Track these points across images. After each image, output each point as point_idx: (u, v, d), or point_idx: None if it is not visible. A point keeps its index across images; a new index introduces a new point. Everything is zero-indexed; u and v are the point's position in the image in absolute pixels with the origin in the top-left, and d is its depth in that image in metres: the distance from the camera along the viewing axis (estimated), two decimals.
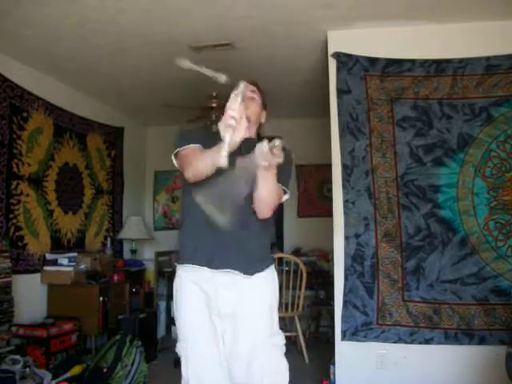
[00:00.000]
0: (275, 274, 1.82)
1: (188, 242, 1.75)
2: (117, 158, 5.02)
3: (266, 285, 1.75)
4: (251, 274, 1.69)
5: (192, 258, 1.71)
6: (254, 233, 1.72)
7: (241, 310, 1.67)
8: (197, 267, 1.70)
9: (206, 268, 1.68)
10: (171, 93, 4.31)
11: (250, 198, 1.63)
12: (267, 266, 1.77)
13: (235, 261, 1.68)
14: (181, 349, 1.72)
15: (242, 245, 1.69)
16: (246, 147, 1.53)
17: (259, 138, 1.82)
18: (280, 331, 1.75)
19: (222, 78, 1.51)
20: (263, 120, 1.89)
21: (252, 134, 1.80)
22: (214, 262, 1.68)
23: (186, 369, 1.70)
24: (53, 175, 3.95)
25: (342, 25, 3.06)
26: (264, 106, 1.88)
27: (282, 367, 1.69)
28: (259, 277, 1.72)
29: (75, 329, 3.50)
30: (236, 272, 1.67)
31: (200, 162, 1.59)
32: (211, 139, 1.58)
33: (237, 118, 1.41)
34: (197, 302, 1.69)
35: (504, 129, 2.89)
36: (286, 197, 1.78)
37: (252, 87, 1.82)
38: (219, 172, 1.46)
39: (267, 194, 1.61)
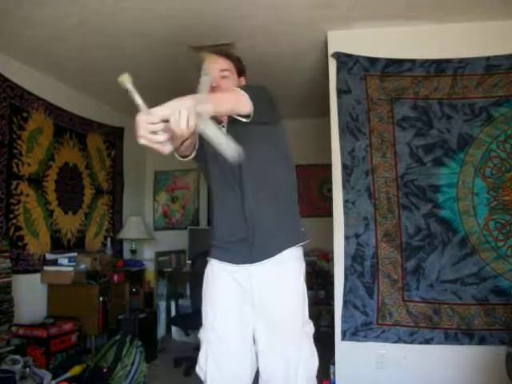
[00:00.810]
0: (300, 252, 1.76)
1: (211, 240, 1.80)
2: (117, 158, 5.02)
3: (295, 271, 1.72)
4: (269, 256, 1.67)
5: (216, 255, 1.77)
6: (263, 205, 1.69)
7: (273, 300, 1.67)
8: (224, 263, 1.74)
9: (231, 264, 1.72)
10: (171, 93, 4.31)
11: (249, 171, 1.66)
12: (289, 244, 1.71)
13: (250, 253, 1.68)
14: (203, 333, 1.74)
15: (253, 229, 1.68)
16: (233, 121, 1.56)
17: None
18: (309, 320, 1.76)
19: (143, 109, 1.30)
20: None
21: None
22: (235, 258, 1.71)
23: (204, 354, 1.72)
24: (53, 175, 3.95)
25: (342, 25, 3.06)
26: (239, 73, 1.83)
27: (314, 354, 1.73)
28: (287, 261, 1.69)
29: (75, 329, 3.49)
30: (257, 264, 1.68)
31: None
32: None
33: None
34: (227, 290, 1.72)
35: (504, 129, 2.89)
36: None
37: (221, 65, 1.77)
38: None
39: (228, 112, 1.49)
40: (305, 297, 1.74)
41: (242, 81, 1.86)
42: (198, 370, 1.75)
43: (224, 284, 1.74)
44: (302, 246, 1.76)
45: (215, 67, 1.76)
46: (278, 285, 1.68)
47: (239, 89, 1.53)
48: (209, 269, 1.80)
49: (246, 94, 1.50)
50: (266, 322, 1.67)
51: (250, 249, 1.68)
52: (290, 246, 1.71)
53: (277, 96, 1.73)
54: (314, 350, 1.74)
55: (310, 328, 1.75)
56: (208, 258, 1.82)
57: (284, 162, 1.80)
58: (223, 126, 1.77)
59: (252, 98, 1.50)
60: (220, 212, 1.79)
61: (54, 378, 2.92)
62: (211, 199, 1.87)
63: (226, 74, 1.78)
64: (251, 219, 1.69)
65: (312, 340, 1.74)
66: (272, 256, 1.68)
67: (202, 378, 1.74)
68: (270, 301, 1.68)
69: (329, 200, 3.41)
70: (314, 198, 5.34)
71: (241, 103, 1.48)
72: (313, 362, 1.72)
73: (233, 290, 1.72)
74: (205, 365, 1.71)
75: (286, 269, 1.70)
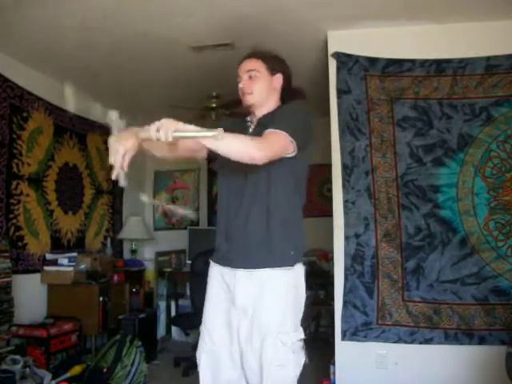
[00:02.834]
0: (298, 271, 1.74)
1: (215, 240, 1.84)
2: None
3: (282, 280, 1.70)
4: (252, 267, 1.69)
5: (215, 257, 1.83)
6: (256, 219, 1.69)
7: (253, 305, 1.69)
8: (217, 264, 1.80)
9: (220, 266, 1.78)
10: (171, 93, 4.31)
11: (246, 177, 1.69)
12: (280, 263, 1.70)
13: (236, 258, 1.72)
14: (201, 330, 1.81)
15: (243, 236, 1.70)
16: (263, 123, 1.63)
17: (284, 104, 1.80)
18: (292, 329, 1.69)
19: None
20: (278, 85, 1.82)
21: (270, 107, 1.79)
22: (224, 259, 1.76)
23: (201, 348, 1.79)
24: (53, 175, 3.95)
25: (342, 25, 3.06)
26: (273, 71, 1.80)
27: (286, 365, 1.66)
28: (274, 272, 1.69)
29: (75, 329, 3.49)
30: (243, 270, 1.70)
31: None
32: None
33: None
34: (217, 291, 1.77)
35: (504, 129, 2.89)
36: (291, 148, 1.62)
37: (248, 65, 1.79)
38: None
39: (231, 154, 1.53)
40: (287, 303, 1.69)
41: (278, 79, 1.82)
42: (197, 355, 1.81)
43: (216, 285, 1.79)
44: (288, 268, 1.71)
45: (243, 67, 1.80)
46: (257, 293, 1.68)
47: (287, 135, 1.60)
48: (210, 267, 1.86)
49: (292, 139, 1.61)
50: (246, 323, 1.69)
51: (237, 254, 1.72)
52: (271, 267, 1.68)
53: None
54: (290, 361, 1.66)
55: (290, 336, 1.67)
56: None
57: (294, 187, 1.76)
58: (251, 123, 1.82)
59: (296, 138, 1.61)
60: (219, 213, 1.83)
61: (53, 377, 2.93)
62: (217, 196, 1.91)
63: (252, 74, 1.78)
64: (243, 227, 1.70)
65: (291, 350, 1.66)
66: (253, 268, 1.68)
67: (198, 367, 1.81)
68: (247, 306, 1.69)
69: (329, 200, 3.41)
70: (314, 198, 5.34)
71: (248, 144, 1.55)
72: (283, 372, 1.65)
73: (222, 292, 1.76)
74: (199, 357, 1.79)
75: (268, 283, 1.69)
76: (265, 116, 1.77)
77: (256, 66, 1.80)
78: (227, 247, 1.75)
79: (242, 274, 1.70)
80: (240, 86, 1.79)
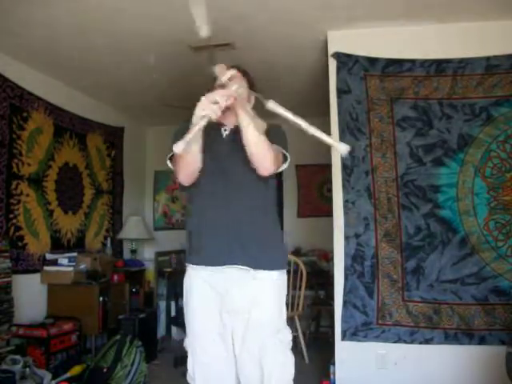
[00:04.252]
0: (284, 274, 1.79)
1: (192, 241, 1.77)
2: (117, 158, 5.02)
3: (273, 281, 1.73)
4: (254, 267, 1.68)
5: (197, 258, 1.74)
6: (251, 217, 1.71)
7: (248, 306, 1.68)
8: (203, 266, 1.73)
9: (211, 267, 1.71)
10: (171, 93, 4.31)
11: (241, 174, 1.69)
12: (278, 266, 1.74)
13: (235, 254, 1.69)
14: (188, 344, 1.75)
15: (239, 234, 1.69)
16: (238, 131, 1.63)
17: None
18: (287, 327, 1.76)
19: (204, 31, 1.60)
20: (251, 103, 1.84)
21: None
22: (216, 259, 1.70)
23: (192, 364, 1.73)
24: (53, 175, 3.95)
25: (342, 25, 3.06)
26: (251, 88, 1.82)
27: (288, 362, 1.71)
28: (266, 273, 1.70)
29: (75, 329, 3.49)
30: (239, 267, 1.68)
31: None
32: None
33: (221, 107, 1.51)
34: (205, 299, 1.71)
35: (504, 129, 2.89)
36: (285, 165, 1.76)
37: (233, 72, 1.75)
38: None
39: (252, 143, 1.60)
40: (281, 303, 1.75)
41: (253, 98, 1.84)
42: (188, 378, 1.77)
43: (200, 293, 1.72)
44: (282, 271, 1.77)
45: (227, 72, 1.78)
46: (253, 292, 1.68)
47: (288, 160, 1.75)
48: (186, 276, 1.78)
49: (281, 149, 1.72)
50: (241, 327, 1.68)
51: (229, 248, 1.68)
52: (271, 269, 1.71)
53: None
54: (289, 359, 1.72)
55: (286, 335, 1.73)
56: (186, 264, 1.80)
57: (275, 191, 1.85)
58: (225, 130, 1.79)
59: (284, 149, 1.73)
60: (200, 209, 1.76)
61: (54, 377, 2.93)
62: (192, 199, 1.81)
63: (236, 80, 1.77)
64: (236, 222, 1.69)
65: (288, 348, 1.72)
66: (251, 268, 1.68)
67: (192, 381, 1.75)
68: (243, 308, 1.68)
69: (329, 200, 3.42)
70: (314, 198, 5.34)
71: (271, 152, 1.64)
72: (286, 370, 1.70)
73: (209, 299, 1.71)
74: (193, 372, 1.73)
75: (261, 280, 1.70)
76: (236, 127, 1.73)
77: (239, 76, 1.78)
78: (218, 244, 1.69)
79: (235, 273, 1.67)
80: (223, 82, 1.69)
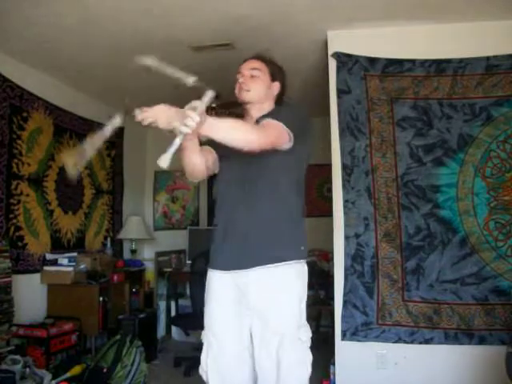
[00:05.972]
0: (303, 266, 1.77)
1: (211, 246, 1.80)
2: (117, 158, 5.01)
3: (293, 275, 1.72)
4: (265, 263, 1.67)
5: (214, 264, 1.77)
6: (260, 216, 1.70)
7: (267, 303, 1.67)
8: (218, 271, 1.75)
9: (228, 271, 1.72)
10: (171, 93, 4.31)
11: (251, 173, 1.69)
12: (293, 257, 1.71)
13: (245, 257, 1.69)
14: (204, 336, 1.76)
15: (254, 236, 1.68)
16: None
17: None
18: (307, 324, 1.74)
19: (190, 80, 1.53)
20: (275, 92, 1.84)
21: (265, 111, 1.78)
22: (229, 262, 1.72)
23: (205, 356, 1.74)
24: (53, 175, 3.94)
25: (342, 25, 3.06)
26: (273, 78, 1.82)
27: (306, 362, 1.71)
28: (286, 267, 1.69)
29: (75, 329, 3.49)
30: (257, 267, 1.68)
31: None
32: None
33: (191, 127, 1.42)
34: (225, 294, 1.72)
35: (504, 129, 2.89)
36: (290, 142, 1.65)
37: (252, 64, 1.80)
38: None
39: (233, 143, 1.52)
40: (302, 302, 1.73)
41: (276, 86, 1.84)
42: (200, 370, 1.77)
43: (219, 287, 1.74)
44: (299, 262, 1.74)
45: (247, 65, 1.81)
46: (273, 291, 1.68)
47: (283, 125, 1.62)
48: (208, 275, 1.81)
49: (288, 129, 1.62)
50: (260, 324, 1.68)
51: (244, 253, 1.69)
52: (285, 260, 1.69)
53: None
54: (307, 358, 1.72)
55: (305, 333, 1.72)
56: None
57: (296, 184, 1.79)
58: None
59: (292, 130, 1.63)
60: (219, 212, 1.80)
61: (53, 377, 2.92)
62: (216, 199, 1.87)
63: (255, 73, 1.79)
64: (249, 223, 1.69)
65: (307, 347, 1.72)
66: (265, 264, 1.67)
67: (204, 379, 1.75)
68: (264, 306, 1.67)
69: (329, 200, 3.41)
70: (314, 198, 5.34)
71: (250, 131, 1.59)
72: (304, 369, 1.70)
73: (228, 294, 1.72)
74: (206, 366, 1.73)
75: (282, 276, 1.69)
76: (262, 118, 1.76)
77: (260, 66, 1.81)
78: (230, 247, 1.72)
79: (254, 271, 1.67)
80: (240, 80, 1.79)
